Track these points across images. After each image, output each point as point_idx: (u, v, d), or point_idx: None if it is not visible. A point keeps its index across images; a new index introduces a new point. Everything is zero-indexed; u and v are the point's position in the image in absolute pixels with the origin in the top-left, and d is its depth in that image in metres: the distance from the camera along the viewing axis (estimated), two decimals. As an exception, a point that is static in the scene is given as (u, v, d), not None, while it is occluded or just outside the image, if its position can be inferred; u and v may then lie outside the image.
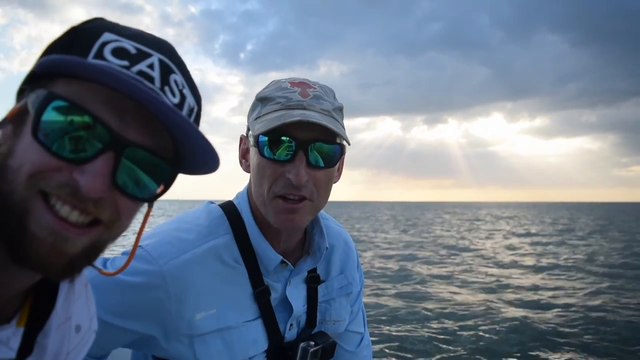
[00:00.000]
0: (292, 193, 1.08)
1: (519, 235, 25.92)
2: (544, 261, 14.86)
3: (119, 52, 0.65)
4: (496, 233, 27.94)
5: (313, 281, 1.29)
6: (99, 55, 0.64)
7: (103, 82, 0.61)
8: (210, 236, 1.15)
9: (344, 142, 1.13)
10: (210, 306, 1.11)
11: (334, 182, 1.19)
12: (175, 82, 0.69)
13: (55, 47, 0.68)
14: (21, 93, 0.69)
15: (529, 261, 15.04)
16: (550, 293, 9.94)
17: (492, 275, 12.32)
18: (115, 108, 0.63)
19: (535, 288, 10.59)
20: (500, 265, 14.36)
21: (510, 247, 19.49)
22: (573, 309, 8.46)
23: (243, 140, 1.23)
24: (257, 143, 1.09)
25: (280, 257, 1.18)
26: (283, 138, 1.06)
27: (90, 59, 0.64)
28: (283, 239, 1.21)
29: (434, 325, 7.46)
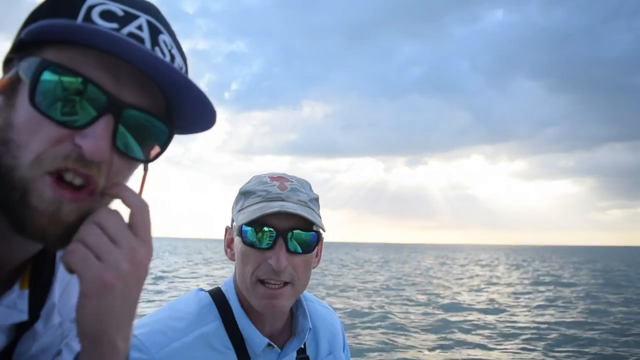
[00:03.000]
0: (274, 279, 1.16)
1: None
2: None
3: (106, 15, 0.64)
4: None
5: None
6: (87, 19, 0.63)
7: (98, 46, 0.60)
8: (200, 324, 1.20)
9: (320, 230, 1.23)
10: None
11: (313, 267, 1.28)
12: (164, 42, 0.69)
13: (40, 13, 0.66)
14: (8, 63, 0.67)
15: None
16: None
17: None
18: (110, 70, 0.62)
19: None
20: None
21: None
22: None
23: (228, 230, 1.32)
24: (240, 233, 1.19)
25: (267, 341, 1.23)
26: (264, 228, 1.16)
27: (78, 21, 0.62)
28: (268, 322, 1.26)
29: None
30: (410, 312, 13.16)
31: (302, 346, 1.34)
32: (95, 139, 0.60)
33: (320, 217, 1.26)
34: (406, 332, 9.91)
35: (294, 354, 1.32)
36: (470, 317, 12.03)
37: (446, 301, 15.16)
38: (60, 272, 0.85)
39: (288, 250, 1.17)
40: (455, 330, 10.46)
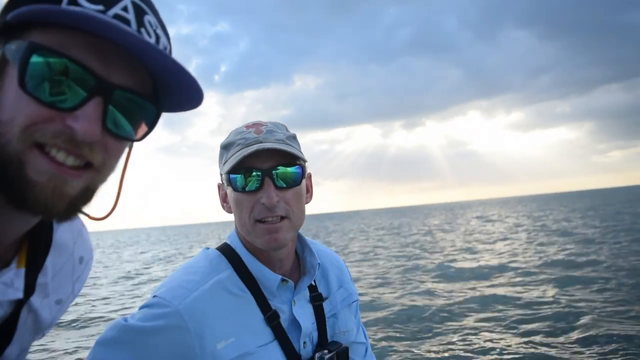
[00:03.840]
0: (270, 215, 1.23)
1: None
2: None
3: None
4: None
5: (317, 299, 1.39)
6: (73, 1, 0.64)
7: (85, 28, 0.61)
8: (213, 273, 1.26)
9: (303, 163, 1.29)
10: (228, 335, 1.19)
11: (307, 202, 1.35)
12: (150, 22, 0.70)
13: None
14: None
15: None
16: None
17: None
18: (98, 52, 0.64)
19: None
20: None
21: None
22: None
23: (220, 187, 1.38)
24: (229, 182, 1.26)
25: (280, 276, 1.29)
26: (251, 172, 1.22)
27: (64, 5, 0.63)
28: (278, 263, 1.32)
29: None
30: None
31: (313, 283, 1.40)
32: (86, 121, 0.62)
33: (300, 151, 1.30)
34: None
35: (307, 292, 1.38)
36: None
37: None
38: (54, 251, 0.89)
39: (276, 187, 1.23)
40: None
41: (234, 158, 1.23)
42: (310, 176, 1.37)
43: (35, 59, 0.61)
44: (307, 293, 1.38)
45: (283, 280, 1.29)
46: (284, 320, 1.29)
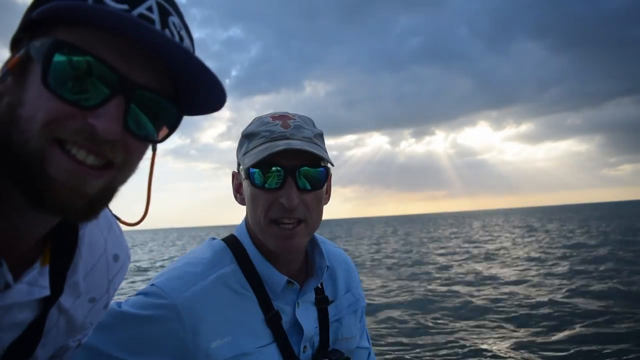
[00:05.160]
0: (287, 217, 1.16)
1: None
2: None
3: None
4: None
5: (322, 302, 1.33)
6: (98, 0, 0.63)
7: (109, 27, 0.61)
8: (216, 267, 1.21)
9: (329, 165, 1.22)
10: (224, 334, 1.14)
11: (325, 204, 1.27)
12: (174, 23, 0.70)
13: None
14: (16, 42, 0.68)
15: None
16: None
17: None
18: (121, 51, 0.63)
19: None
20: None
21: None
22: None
23: (235, 176, 1.31)
24: (248, 175, 1.18)
25: (286, 278, 1.23)
26: (272, 168, 1.15)
27: (90, 2, 0.63)
28: (285, 263, 1.26)
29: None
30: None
31: (320, 286, 1.34)
32: (108, 119, 0.62)
33: (326, 152, 1.24)
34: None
35: (313, 294, 1.32)
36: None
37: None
38: (85, 250, 0.87)
39: (298, 188, 1.16)
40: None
41: (258, 152, 1.15)
42: (331, 177, 1.29)
43: (58, 56, 0.61)
44: (312, 295, 1.32)
45: (289, 282, 1.24)
46: (285, 322, 1.23)
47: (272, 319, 1.21)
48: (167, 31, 0.68)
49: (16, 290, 0.73)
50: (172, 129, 0.74)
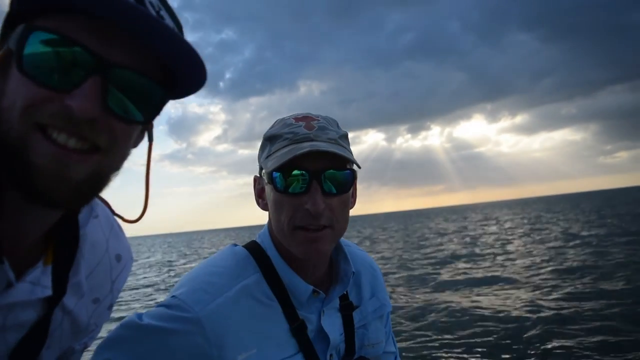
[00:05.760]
0: (313, 224, 1.10)
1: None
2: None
3: None
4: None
5: (347, 309, 1.29)
6: None
7: (79, 6, 0.61)
8: (240, 277, 1.16)
9: (355, 167, 1.17)
10: (250, 346, 1.10)
11: (350, 208, 1.21)
12: (151, 2, 0.68)
13: None
14: (2, 39, 0.69)
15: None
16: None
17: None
18: (97, 32, 0.63)
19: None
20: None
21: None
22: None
23: (257, 180, 1.25)
24: (271, 180, 1.12)
25: (312, 287, 1.19)
26: (296, 171, 1.09)
27: None
28: (310, 270, 1.21)
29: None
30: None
31: (344, 292, 1.30)
32: (83, 98, 0.62)
33: (352, 153, 1.18)
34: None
35: (337, 300, 1.28)
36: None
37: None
38: (87, 249, 0.87)
39: (324, 192, 1.10)
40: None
41: (281, 155, 1.10)
42: (356, 180, 1.23)
43: (32, 40, 0.61)
44: (337, 301, 1.28)
45: (314, 291, 1.19)
46: (310, 330, 1.19)
47: (298, 328, 1.17)
48: (141, 8, 0.64)
49: (18, 289, 0.73)
50: (157, 109, 0.72)
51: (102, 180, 0.70)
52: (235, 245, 1.28)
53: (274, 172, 1.10)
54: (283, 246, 1.18)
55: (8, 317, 0.74)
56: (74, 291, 0.85)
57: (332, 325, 1.24)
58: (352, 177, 1.16)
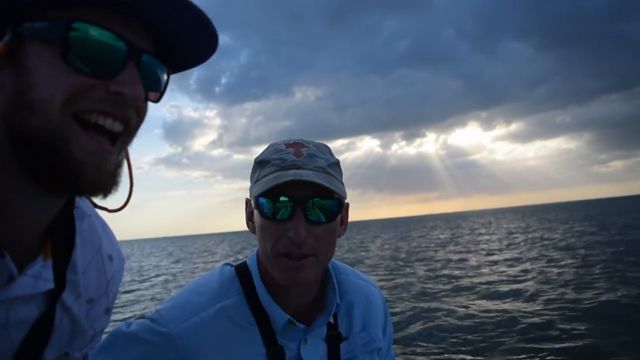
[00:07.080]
0: (295, 252, 1.09)
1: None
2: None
3: None
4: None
5: (334, 339, 1.26)
6: None
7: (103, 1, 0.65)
8: (220, 298, 1.17)
9: (342, 197, 1.14)
10: None
11: (339, 236, 1.20)
12: None
13: None
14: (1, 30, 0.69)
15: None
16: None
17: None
18: (123, 21, 0.67)
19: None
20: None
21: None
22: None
23: (248, 203, 1.24)
24: (257, 205, 1.12)
25: (287, 317, 1.17)
26: (281, 198, 1.08)
27: None
28: (294, 297, 1.20)
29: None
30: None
31: (332, 321, 1.27)
32: (132, 84, 0.66)
33: (341, 183, 1.17)
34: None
35: (324, 329, 1.25)
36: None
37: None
38: (82, 244, 0.88)
39: (308, 221, 1.09)
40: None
41: (267, 181, 1.09)
42: (347, 207, 1.22)
43: (79, 30, 0.63)
44: (324, 330, 1.24)
45: (290, 322, 1.16)
46: (289, 357, 1.17)
47: (274, 355, 1.15)
48: None
49: (20, 283, 0.73)
50: (164, 88, 0.77)
51: (122, 161, 0.75)
52: (227, 264, 1.28)
53: (260, 198, 1.10)
54: (267, 271, 1.17)
55: (10, 312, 0.74)
56: (71, 288, 0.85)
57: (315, 354, 1.21)
58: (339, 206, 1.14)
